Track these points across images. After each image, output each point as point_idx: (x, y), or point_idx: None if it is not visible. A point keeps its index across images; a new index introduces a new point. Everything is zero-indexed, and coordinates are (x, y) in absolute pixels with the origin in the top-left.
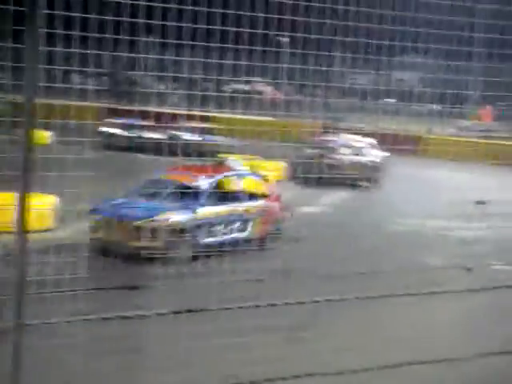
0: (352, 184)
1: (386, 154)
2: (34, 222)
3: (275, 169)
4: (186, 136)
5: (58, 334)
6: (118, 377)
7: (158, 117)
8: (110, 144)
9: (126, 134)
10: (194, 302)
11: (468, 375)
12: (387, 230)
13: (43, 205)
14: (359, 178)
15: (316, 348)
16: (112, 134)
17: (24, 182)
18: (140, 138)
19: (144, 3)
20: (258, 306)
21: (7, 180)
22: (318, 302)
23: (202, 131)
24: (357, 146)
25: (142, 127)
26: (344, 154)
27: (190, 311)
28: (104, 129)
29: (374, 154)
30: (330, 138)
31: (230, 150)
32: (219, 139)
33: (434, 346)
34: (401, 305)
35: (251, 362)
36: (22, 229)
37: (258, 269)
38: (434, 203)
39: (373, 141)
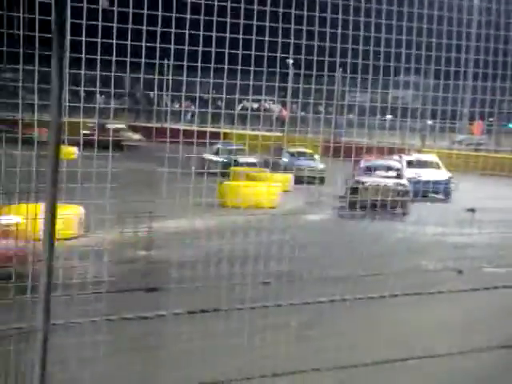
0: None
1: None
2: (60, 230)
3: (282, 180)
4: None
5: (82, 333)
6: (139, 372)
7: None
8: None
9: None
10: None
11: (458, 369)
12: (386, 235)
13: (69, 214)
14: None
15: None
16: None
17: (51, 193)
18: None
19: (160, 29)
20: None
21: (36, 192)
22: (322, 302)
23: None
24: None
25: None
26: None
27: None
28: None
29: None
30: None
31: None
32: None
33: (428, 342)
34: (398, 305)
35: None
36: (50, 237)
37: None
38: (429, 211)
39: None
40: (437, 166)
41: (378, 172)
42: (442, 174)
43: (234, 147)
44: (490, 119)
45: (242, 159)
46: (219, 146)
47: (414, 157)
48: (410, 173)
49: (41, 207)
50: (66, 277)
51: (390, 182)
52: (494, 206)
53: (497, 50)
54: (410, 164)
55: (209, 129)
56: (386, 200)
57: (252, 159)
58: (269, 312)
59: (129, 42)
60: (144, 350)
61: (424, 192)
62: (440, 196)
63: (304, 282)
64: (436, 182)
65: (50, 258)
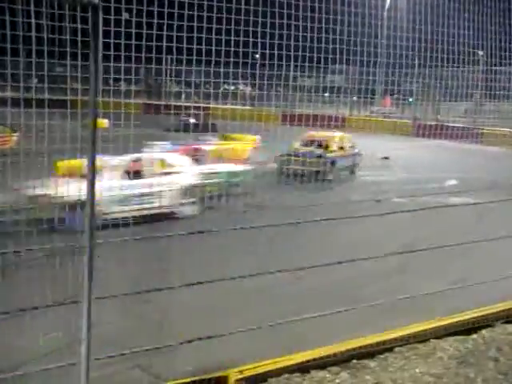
0: None
1: None
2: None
3: (251, 140)
4: None
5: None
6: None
7: None
8: None
9: None
10: None
11: (378, 267)
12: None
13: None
14: None
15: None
16: None
17: (92, 151)
18: None
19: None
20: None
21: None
22: (282, 224)
23: None
24: None
25: None
26: None
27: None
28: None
29: None
30: None
31: None
32: None
33: (359, 249)
34: (336, 225)
35: None
36: (91, 181)
37: None
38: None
39: None
40: None
41: None
42: None
43: None
44: (396, 95)
45: None
46: None
47: None
48: None
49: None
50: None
51: None
52: (398, 154)
53: (402, 47)
54: None
55: (202, 104)
56: None
57: None
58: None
59: (143, 43)
60: (164, 257)
61: None
62: None
63: (269, 211)
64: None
65: (92, 194)
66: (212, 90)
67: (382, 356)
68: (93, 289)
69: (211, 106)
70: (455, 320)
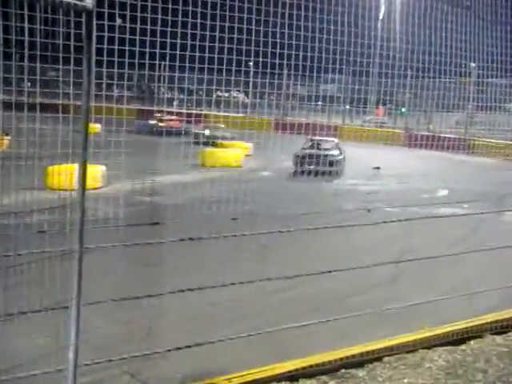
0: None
1: None
2: (89, 182)
3: (245, 147)
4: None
5: (106, 255)
6: (149, 279)
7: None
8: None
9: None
10: None
11: (371, 277)
12: (318, 186)
13: (95, 171)
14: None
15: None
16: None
17: (83, 156)
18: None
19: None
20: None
21: (73, 155)
22: (273, 232)
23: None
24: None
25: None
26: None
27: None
28: None
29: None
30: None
31: None
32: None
33: (349, 258)
34: (327, 234)
35: None
36: (82, 187)
37: None
38: (347, 169)
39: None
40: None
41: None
42: None
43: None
44: (389, 105)
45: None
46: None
47: None
48: None
49: (75, 166)
50: (93, 215)
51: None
52: (389, 164)
53: (395, 57)
54: None
55: (194, 111)
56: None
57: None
58: (236, 239)
59: (137, 49)
60: (149, 263)
61: None
62: None
63: (261, 219)
64: None
65: (82, 201)
66: (205, 97)
67: (370, 365)
68: None
69: (204, 112)
70: (444, 330)
